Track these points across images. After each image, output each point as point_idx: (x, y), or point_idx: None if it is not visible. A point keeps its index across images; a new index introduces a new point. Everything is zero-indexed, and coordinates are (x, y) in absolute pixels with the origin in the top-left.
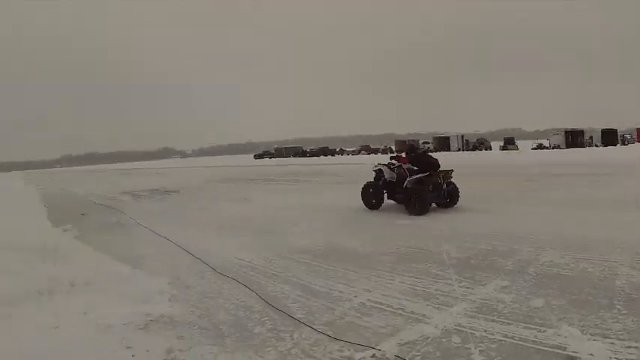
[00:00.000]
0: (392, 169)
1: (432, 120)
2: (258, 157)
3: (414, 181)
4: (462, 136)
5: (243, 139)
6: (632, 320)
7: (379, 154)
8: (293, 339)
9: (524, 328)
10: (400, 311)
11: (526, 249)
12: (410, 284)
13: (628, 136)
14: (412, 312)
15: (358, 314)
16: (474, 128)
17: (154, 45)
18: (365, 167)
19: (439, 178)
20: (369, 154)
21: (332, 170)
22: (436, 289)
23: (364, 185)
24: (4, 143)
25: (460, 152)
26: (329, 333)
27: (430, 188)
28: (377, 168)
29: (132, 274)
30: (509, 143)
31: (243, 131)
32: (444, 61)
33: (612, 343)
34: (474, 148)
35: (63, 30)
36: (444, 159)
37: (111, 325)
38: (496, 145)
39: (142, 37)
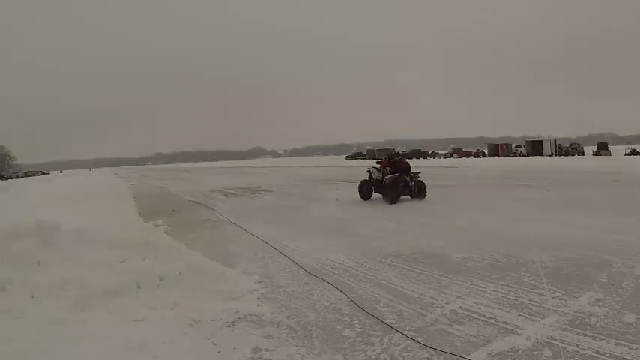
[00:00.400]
0: (379, 171)
1: (525, 123)
2: (350, 158)
3: (389, 179)
4: (555, 141)
5: (336, 140)
6: None
7: (471, 158)
8: (382, 344)
9: (616, 344)
10: (492, 320)
11: (620, 260)
12: (503, 293)
13: None
14: (505, 322)
15: (449, 322)
16: (566, 132)
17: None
18: (456, 171)
19: (408, 177)
20: (461, 157)
21: (426, 174)
22: (529, 299)
23: (360, 182)
24: (100, 140)
25: (553, 157)
26: (419, 340)
27: (401, 185)
28: (369, 170)
29: (222, 272)
30: (602, 148)
31: (336, 132)
32: (535, 63)
33: None
34: (567, 153)
35: (168, 37)
36: (537, 163)
37: (198, 321)
38: (588, 150)
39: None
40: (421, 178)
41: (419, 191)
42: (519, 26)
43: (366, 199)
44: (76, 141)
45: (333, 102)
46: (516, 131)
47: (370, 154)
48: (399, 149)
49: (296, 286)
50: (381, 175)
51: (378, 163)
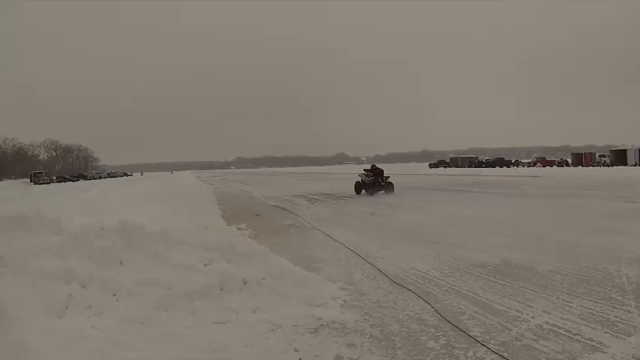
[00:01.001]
0: (366, 176)
1: (609, 132)
2: (433, 166)
3: (369, 181)
4: (639, 150)
5: (418, 147)
6: None
7: (554, 167)
8: (467, 357)
9: None
10: (578, 337)
11: None
12: (589, 308)
13: None
14: (590, 339)
15: (535, 337)
16: None
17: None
18: (539, 180)
19: (381, 179)
20: (544, 166)
21: (512, 182)
22: (615, 316)
23: (355, 183)
24: (183, 144)
25: (637, 167)
26: (505, 354)
27: (376, 184)
28: (360, 175)
29: (305, 277)
30: None
31: (419, 139)
32: (623, 71)
33: None
34: None
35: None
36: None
37: (280, 326)
38: None
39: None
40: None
41: (388, 187)
42: (606, 36)
43: (358, 194)
44: (159, 144)
45: (416, 108)
46: (600, 140)
47: (453, 162)
48: (482, 157)
49: (380, 295)
50: (367, 178)
51: (364, 170)
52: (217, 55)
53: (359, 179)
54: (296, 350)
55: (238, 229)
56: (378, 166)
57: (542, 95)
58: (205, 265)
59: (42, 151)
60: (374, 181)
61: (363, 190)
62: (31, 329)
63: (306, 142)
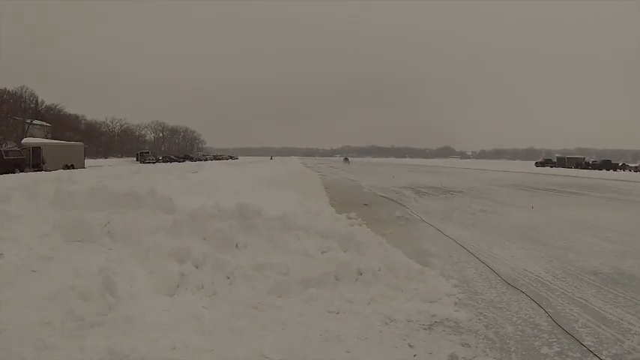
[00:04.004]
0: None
1: None
2: (539, 164)
3: None
4: None
5: (525, 144)
6: None
7: None
8: None
9: None
10: None
11: None
12: None
13: None
14: None
15: None
16: None
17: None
18: None
19: None
20: None
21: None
22: None
23: None
24: (290, 130)
25: None
26: None
27: None
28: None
29: (420, 271)
30: None
31: (526, 136)
32: None
33: None
34: None
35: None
36: None
37: (394, 320)
38: None
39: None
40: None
41: None
42: None
43: None
44: (266, 129)
45: (525, 104)
46: None
47: (560, 162)
48: (589, 159)
49: (494, 295)
50: None
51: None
52: (328, 41)
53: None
54: (410, 346)
55: (348, 217)
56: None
57: None
58: (323, 252)
59: (149, 132)
60: None
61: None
62: (141, 306)
63: (411, 133)
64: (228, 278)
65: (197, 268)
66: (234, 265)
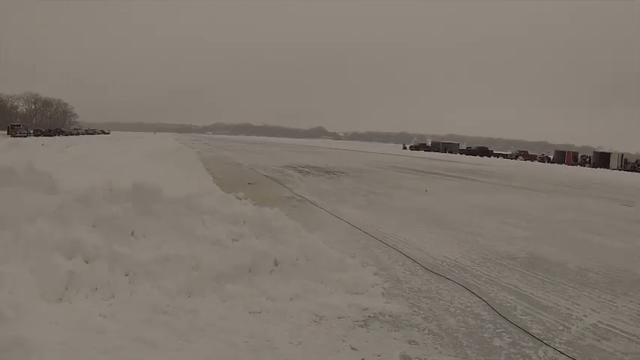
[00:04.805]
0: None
1: (588, 134)
2: (413, 148)
3: None
4: (622, 155)
5: (398, 129)
6: None
7: (536, 162)
8: (540, 358)
9: None
10: (636, 339)
11: None
12: (636, 310)
13: None
14: None
15: (596, 337)
16: (630, 148)
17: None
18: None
19: None
20: (525, 160)
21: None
22: None
23: None
24: (162, 105)
25: (618, 172)
26: (574, 355)
27: None
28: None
29: (340, 260)
30: None
31: (399, 121)
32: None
33: None
34: (633, 169)
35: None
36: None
37: (323, 317)
38: None
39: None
40: None
41: None
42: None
43: None
44: (139, 105)
45: (399, 90)
46: (578, 141)
47: (434, 146)
48: (463, 145)
49: (419, 283)
50: None
51: None
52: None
53: None
54: (353, 349)
55: (237, 197)
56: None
57: (524, 90)
58: (233, 240)
59: (21, 104)
60: None
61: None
62: (28, 320)
63: (284, 113)
64: (127, 276)
65: (88, 263)
66: (134, 260)
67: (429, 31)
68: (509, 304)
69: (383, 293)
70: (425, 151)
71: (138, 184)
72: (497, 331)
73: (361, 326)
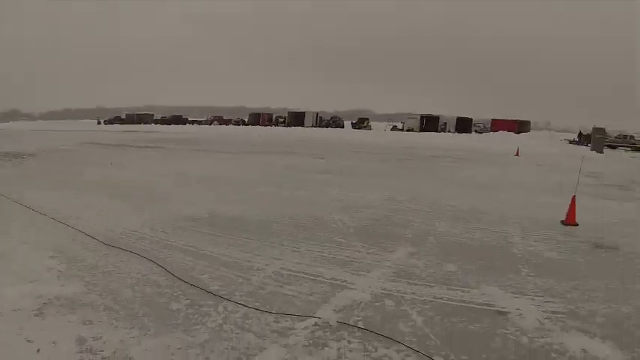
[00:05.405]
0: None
1: (288, 97)
2: (108, 122)
3: None
4: (317, 114)
5: (94, 104)
6: (541, 281)
7: (231, 126)
8: (219, 313)
9: (448, 289)
10: (320, 278)
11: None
12: (318, 252)
13: (481, 126)
14: (333, 278)
15: (278, 283)
16: (327, 108)
17: None
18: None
19: None
20: (221, 124)
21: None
22: (346, 256)
23: None
24: None
25: (313, 129)
26: (256, 305)
27: None
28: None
29: (8, 249)
30: (362, 123)
31: (96, 95)
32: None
33: (532, 299)
34: (327, 126)
35: None
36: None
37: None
38: (349, 124)
39: None
40: None
41: None
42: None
43: None
44: None
45: (93, 64)
46: (277, 103)
47: (129, 119)
48: (158, 115)
49: (97, 259)
50: None
51: None
52: None
53: None
54: (28, 341)
55: None
56: None
57: (226, 58)
58: None
59: None
60: None
61: None
62: None
63: None
64: None
65: None
66: None
67: None
68: (187, 266)
69: (59, 277)
70: (119, 124)
71: None
72: (175, 294)
73: (37, 315)
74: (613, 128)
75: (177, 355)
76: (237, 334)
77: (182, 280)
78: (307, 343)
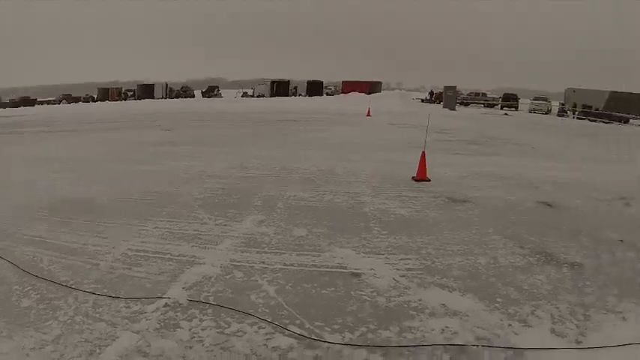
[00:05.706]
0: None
1: (135, 69)
2: None
3: None
4: (167, 85)
5: None
6: (395, 238)
7: (80, 103)
8: (70, 305)
9: (299, 255)
10: (168, 255)
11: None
12: (166, 228)
13: (332, 88)
14: (181, 255)
15: (126, 265)
16: (184, 77)
17: None
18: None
19: None
20: (70, 102)
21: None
22: (194, 230)
23: None
24: None
25: (164, 100)
26: (105, 291)
27: None
28: None
29: None
30: (211, 91)
31: None
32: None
33: (387, 258)
34: (177, 96)
35: None
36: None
37: None
38: (199, 93)
39: None
40: None
41: None
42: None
43: None
44: None
45: None
46: (126, 77)
47: None
48: (6, 99)
49: None
50: None
51: None
52: None
53: None
54: None
55: None
56: None
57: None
58: None
59: None
60: None
61: None
62: None
63: None
64: None
65: None
66: None
67: None
68: (36, 258)
69: None
70: None
71: None
72: (25, 290)
73: None
74: (465, 87)
75: (33, 356)
76: (89, 324)
77: (31, 273)
78: (159, 326)
